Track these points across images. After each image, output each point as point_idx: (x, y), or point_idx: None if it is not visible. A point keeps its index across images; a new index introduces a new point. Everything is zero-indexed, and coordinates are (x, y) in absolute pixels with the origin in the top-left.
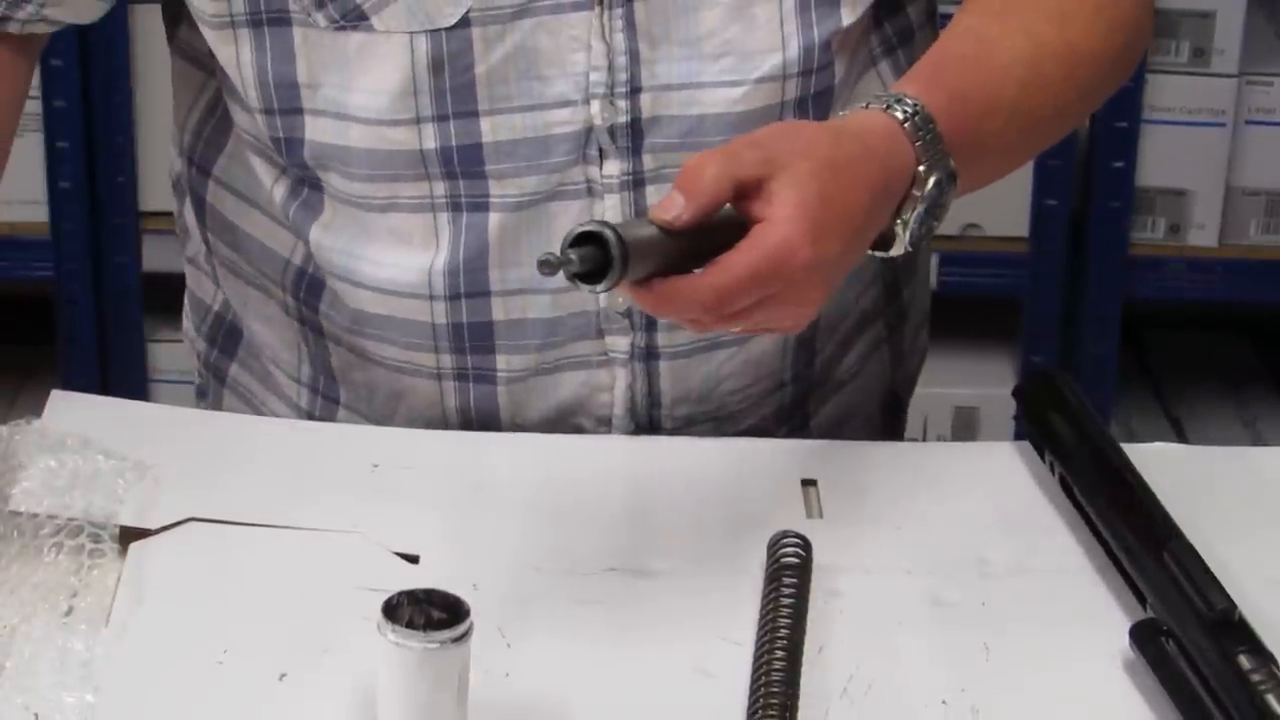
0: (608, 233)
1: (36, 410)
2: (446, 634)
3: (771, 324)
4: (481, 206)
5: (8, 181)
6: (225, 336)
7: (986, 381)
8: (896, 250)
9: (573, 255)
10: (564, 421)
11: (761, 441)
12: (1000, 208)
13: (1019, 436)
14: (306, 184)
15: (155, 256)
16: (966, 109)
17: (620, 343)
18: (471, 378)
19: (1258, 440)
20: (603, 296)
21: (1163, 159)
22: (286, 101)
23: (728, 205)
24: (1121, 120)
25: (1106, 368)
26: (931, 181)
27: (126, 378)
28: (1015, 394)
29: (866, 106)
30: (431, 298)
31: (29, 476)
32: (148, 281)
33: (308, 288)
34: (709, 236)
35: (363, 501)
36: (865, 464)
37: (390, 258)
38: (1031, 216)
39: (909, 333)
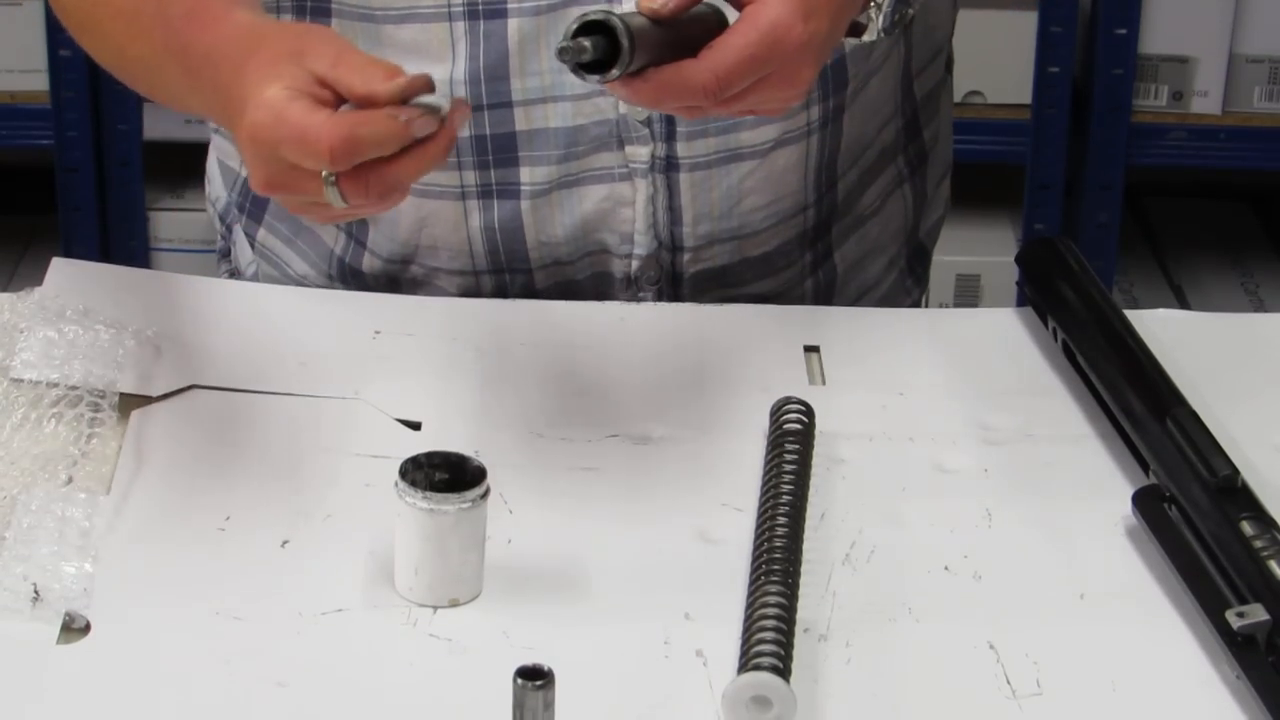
0: (615, 20)
1: (37, 279)
2: (473, 493)
3: (763, 106)
4: (500, 13)
5: (7, 50)
6: (254, 203)
7: (989, 248)
8: (869, 36)
9: (585, 44)
10: (588, 238)
11: (764, 307)
12: (1003, 75)
13: (1021, 303)
14: (311, 13)
15: (157, 124)
16: None
17: (641, 153)
18: (495, 193)
19: (1259, 307)
20: (623, 105)
21: (1166, 26)
22: None
23: None
24: None
25: (1109, 235)
26: None
27: (127, 246)
28: (1018, 260)
29: None
30: None
31: (29, 345)
32: (149, 149)
33: None
34: (695, 27)
35: (365, 368)
36: (868, 330)
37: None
38: (1035, 84)
39: (931, 176)
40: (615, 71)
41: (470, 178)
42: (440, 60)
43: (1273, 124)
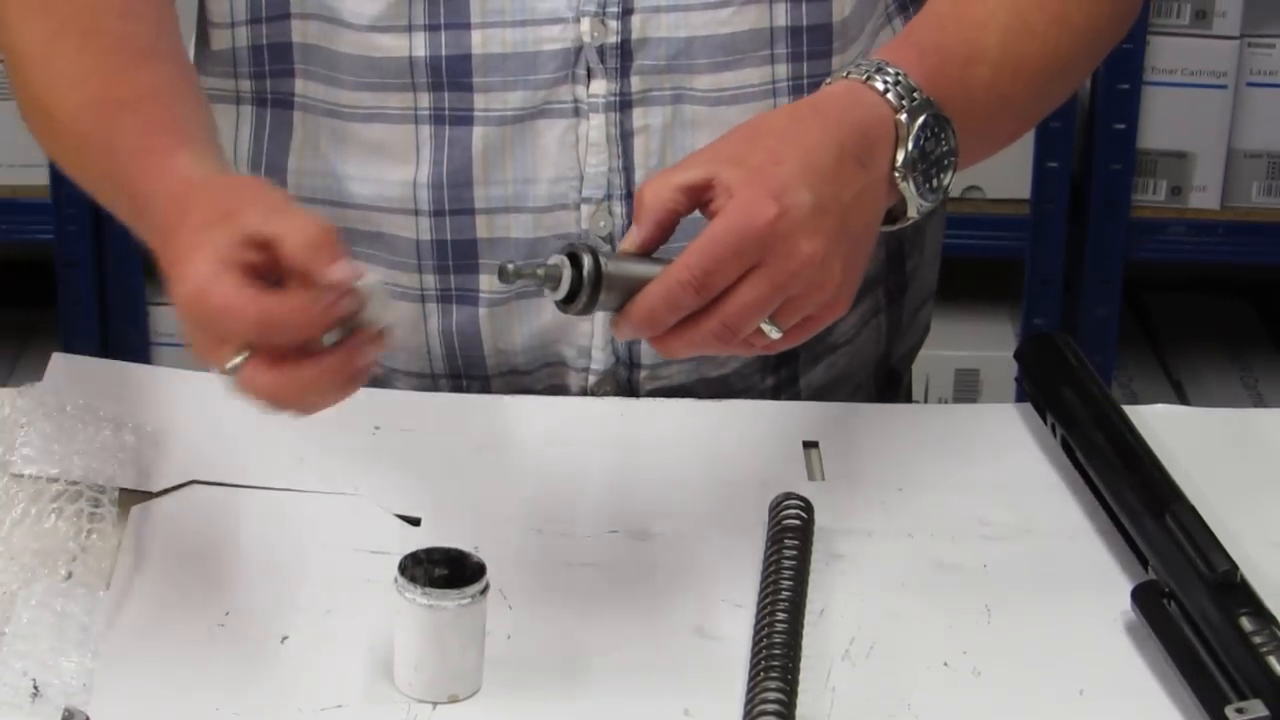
0: (585, 256)
1: (37, 373)
2: (472, 589)
3: (798, 305)
4: (465, 120)
5: (8, 144)
6: None
7: (988, 344)
8: (912, 212)
9: (563, 272)
10: (546, 350)
11: (763, 404)
12: (1001, 170)
13: (1020, 398)
14: (272, 105)
15: None
16: (943, 59)
17: None
18: (455, 299)
19: (1259, 402)
20: (584, 220)
21: (1164, 121)
22: (275, 8)
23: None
24: (1123, 82)
25: (1108, 330)
26: (917, 124)
27: (127, 341)
28: (1017, 356)
29: (829, 84)
30: (416, 213)
31: (29, 441)
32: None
33: None
34: None
35: (364, 464)
36: (867, 426)
37: (370, 172)
38: (1033, 179)
39: (909, 305)
40: (574, 307)
41: (430, 281)
42: (404, 162)
43: (1271, 219)
